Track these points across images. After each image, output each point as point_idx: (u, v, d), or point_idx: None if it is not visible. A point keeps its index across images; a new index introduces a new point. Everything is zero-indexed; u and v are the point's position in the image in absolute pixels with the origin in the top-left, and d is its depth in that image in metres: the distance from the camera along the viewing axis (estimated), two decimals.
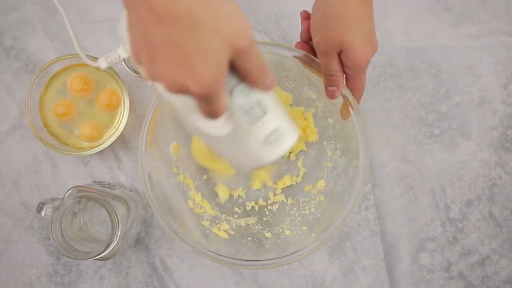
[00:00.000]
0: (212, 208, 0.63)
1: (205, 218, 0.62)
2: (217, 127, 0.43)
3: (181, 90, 0.34)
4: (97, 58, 0.62)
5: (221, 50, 0.33)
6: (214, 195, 0.65)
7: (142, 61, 0.35)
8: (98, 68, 0.45)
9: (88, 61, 0.46)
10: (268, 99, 0.42)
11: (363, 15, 0.49)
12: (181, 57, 0.33)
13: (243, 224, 0.63)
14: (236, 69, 0.37)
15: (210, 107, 0.36)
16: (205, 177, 0.65)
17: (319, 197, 0.62)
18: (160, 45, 0.33)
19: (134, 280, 0.65)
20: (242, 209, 0.65)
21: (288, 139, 0.44)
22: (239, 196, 0.65)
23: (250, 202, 0.65)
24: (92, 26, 0.67)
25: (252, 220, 0.64)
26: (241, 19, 0.34)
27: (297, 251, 0.56)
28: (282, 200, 0.65)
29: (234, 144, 0.44)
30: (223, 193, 0.64)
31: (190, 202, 0.62)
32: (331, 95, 0.53)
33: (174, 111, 0.45)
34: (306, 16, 0.56)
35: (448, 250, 0.66)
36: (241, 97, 0.40)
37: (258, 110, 0.41)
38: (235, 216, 0.64)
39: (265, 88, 0.40)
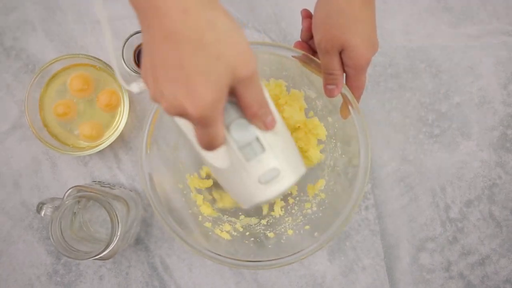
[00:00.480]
0: (213, 209, 0.63)
1: (206, 219, 0.62)
2: (217, 159, 0.43)
3: (179, 111, 0.35)
4: (97, 58, 0.62)
5: (222, 75, 0.34)
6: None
7: (148, 80, 0.36)
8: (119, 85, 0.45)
9: (122, 83, 0.45)
10: (270, 136, 0.41)
11: (365, 14, 0.49)
12: (182, 77, 0.33)
13: (246, 225, 0.63)
14: (237, 99, 0.37)
15: (207, 134, 0.36)
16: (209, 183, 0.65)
17: (320, 196, 0.62)
18: (164, 64, 0.34)
19: (134, 280, 0.65)
20: (243, 210, 0.64)
21: (285, 179, 0.43)
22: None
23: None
24: (92, 26, 0.67)
25: (254, 220, 0.64)
26: (247, 48, 0.35)
27: (299, 251, 0.55)
28: (283, 201, 0.65)
29: (232, 178, 0.44)
30: (226, 202, 0.64)
31: (191, 203, 0.62)
32: (330, 94, 0.53)
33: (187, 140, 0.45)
34: (306, 15, 0.56)
35: (448, 250, 0.66)
36: (238, 131, 0.40)
37: (256, 147, 0.41)
38: (237, 217, 0.64)
39: (264, 126, 0.40)
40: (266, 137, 0.41)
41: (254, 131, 0.41)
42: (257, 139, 0.41)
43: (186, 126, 0.44)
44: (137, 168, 0.66)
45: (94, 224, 0.65)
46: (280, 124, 0.43)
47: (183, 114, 0.35)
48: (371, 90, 0.67)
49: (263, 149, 0.41)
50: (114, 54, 0.44)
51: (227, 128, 0.40)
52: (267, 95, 0.41)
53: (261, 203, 0.44)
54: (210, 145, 0.38)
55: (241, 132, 0.40)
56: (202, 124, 0.35)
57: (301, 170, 0.45)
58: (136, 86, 0.44)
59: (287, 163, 0.43)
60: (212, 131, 0.36)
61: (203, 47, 0.33)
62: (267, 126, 0.40)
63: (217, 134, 0.37)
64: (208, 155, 0.43)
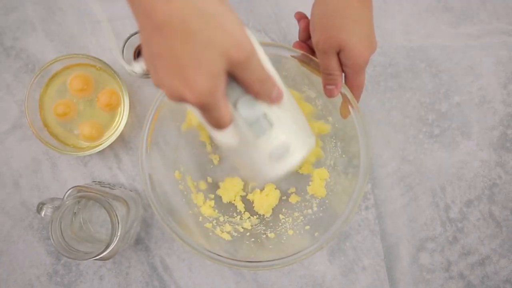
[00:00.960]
0: (214, 210, 0.63)
1: (207, 220, 0.62)
2: (227, 138, 0.42)
3: (179, 99, 0.35)
4: (97, 58, 0.62)
5: (215, 61, 0.33)
6: (217, 197, 0.64)
7: (149, 67, 0.36)
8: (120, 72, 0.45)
9: (125, 65, 0.45)
10: (277, 110, 0.40)
11: (362, 14, 0.49)
12: (177, 67, 0.33)
13: (246, 225, 0.63)
14: (238, 81, 0.37)
15: (211, 117, 0.36)
16: (209, 180, 0.64)
17: (321, 195, 0.62)
18: (158, 54, 0.34)
19: (134, 280, 0.65)
20: (244, 210, 0.64)
21: (296, 154, 0.42)
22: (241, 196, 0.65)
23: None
24: (92, 26, 0.67)
25: (255, 221, 0.64)
26: (239, 31, 0.34)
27: (299, 252, 0.55)
28: (283, 199, 0.65)
29: (243, 156, 0.43)
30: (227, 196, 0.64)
31: (191, 204, 0.62)
32: (329, 94, 0.53)
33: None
34: (301, 17, 0.57)
35: (448, 250, 0.66)
36: (245, 109, 0.39)
37: (264, 123, 0.40)
38: (238, 217, 0.64)
39: (271, 100, 0.39)
40: (273, 112, 0.40)
41: (261, 107, 0.40)
42: (265, 115, 0.40)
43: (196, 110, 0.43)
44: (137, 168, 0.66)
45: (94, 224, 0.65)
46: (287, 98, 0.42)
47: (184, 101, 0.35)
48: (371, 90, 0.67)
49: (271, 124, 0.40)
50: (114, 38, 0.44)
51: (234, 105, 0.39)
52: (269, 67, 0.40)
53: (272, 179, 0.43)
54: (218, 125, 0.38)
55: (248, 109, 0.39)
56: (204, 109, 0.36)
57: (311, 142, 0.44)
58: (139, 67, 0.44)
59: (296, 137, 0.42)
60: (215, 114, 0.36)
61: (191, 36, 0.32)
62: (273, 100, 0.39)
63: (221, 117, 0.37)
64: (218, 135, 0.42)
